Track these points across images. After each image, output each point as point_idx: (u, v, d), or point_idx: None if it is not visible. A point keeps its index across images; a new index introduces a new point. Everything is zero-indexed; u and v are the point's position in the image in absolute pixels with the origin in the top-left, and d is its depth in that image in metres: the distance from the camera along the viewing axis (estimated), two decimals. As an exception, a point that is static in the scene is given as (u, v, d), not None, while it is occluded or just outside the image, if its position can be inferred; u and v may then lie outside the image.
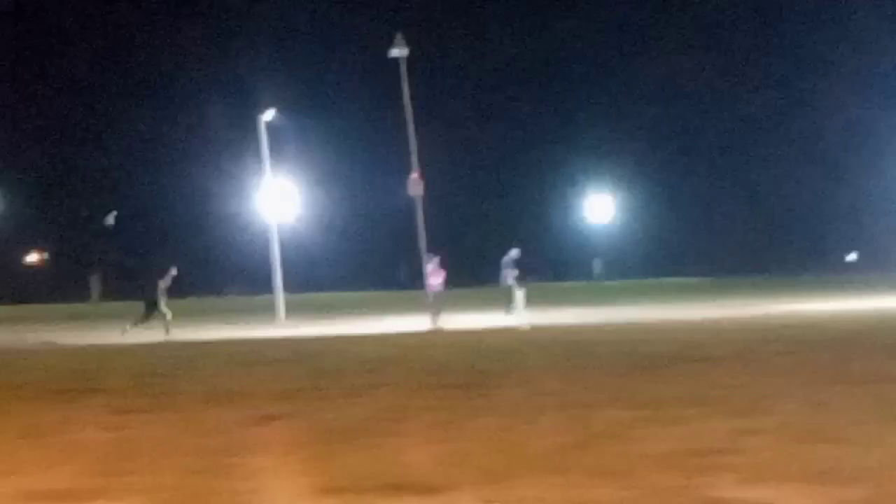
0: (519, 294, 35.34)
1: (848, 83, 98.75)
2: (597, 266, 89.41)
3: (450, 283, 39.20)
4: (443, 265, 37.43)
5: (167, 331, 32.31)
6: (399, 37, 36.61)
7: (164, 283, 34.65)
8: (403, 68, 36.78)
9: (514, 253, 38.98)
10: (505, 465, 8.06)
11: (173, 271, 35.25)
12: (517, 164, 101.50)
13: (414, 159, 36.54)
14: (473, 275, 67.98)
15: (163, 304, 34.25)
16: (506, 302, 36.98)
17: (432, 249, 36.98)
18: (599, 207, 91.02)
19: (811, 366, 15.07)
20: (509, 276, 37.88)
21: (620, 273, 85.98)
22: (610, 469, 7.73)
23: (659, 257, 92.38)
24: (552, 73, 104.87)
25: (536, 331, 28.83)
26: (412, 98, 36.85)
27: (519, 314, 34.03)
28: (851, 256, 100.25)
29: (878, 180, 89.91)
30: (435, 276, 36.65)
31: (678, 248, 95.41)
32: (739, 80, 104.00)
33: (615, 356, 18.67)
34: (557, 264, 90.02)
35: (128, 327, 33.10)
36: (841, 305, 38.45)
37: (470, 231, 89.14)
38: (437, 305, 34.94)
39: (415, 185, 36.48)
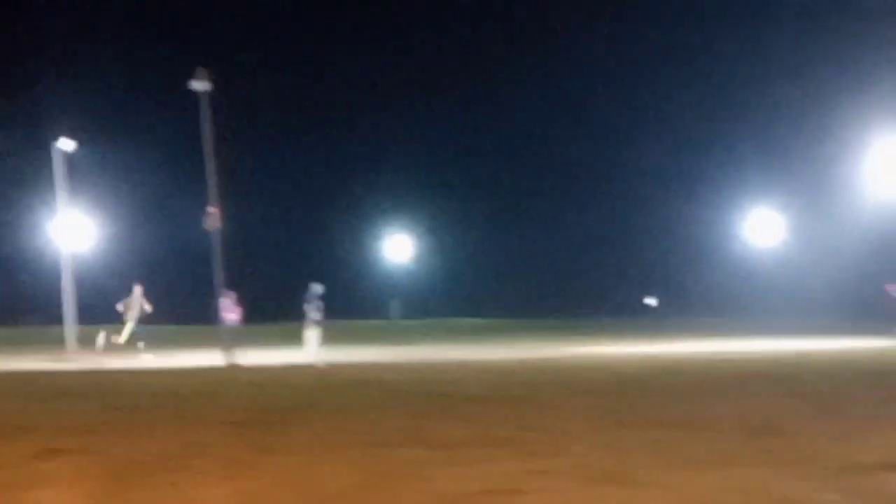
0: (315, 332, 35.18)
1: (651, 133, 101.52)
2: (394, 306, 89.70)
3: (248, 318, 38.87)
4: (240, 301, 37.10)
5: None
6: (200, 70, 36.28)
7: None
8: (205, 101, 36.44)
9: (318, 289, 38.85)
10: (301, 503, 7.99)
11: None
12: (319, 201, 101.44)
13: (212, 193, 36.17)
14: (272, 311, 67.52)
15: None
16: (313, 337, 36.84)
17: (230, 284, 36.63)
18: (398, 247, 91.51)
19: (602, 408, 15.29)
20: (312, 311, 37.68)
21: (418, 313, 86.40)
22: (404, 509, 7.72)
23: (457, 298, 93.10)
24: (354, 114, 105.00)
25: (334, 369, 28.72)
26: (214, 132, 36.53)
27: (316, 352, 33.89)
28: (650, 300, 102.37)
29: (680, 227, 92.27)
30: (231, 312, 36.30)
31: (476, 290, 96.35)
32: (539, 126, 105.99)
33: (411, 396, 18.69)
34: (355, 303, 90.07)
35: None
36: (635, 349, 39.22)
37: (270, 267, 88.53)
38: (232, 341, 34.59)
39: (212, 219, 36.10)
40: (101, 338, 39.48)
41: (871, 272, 68.28)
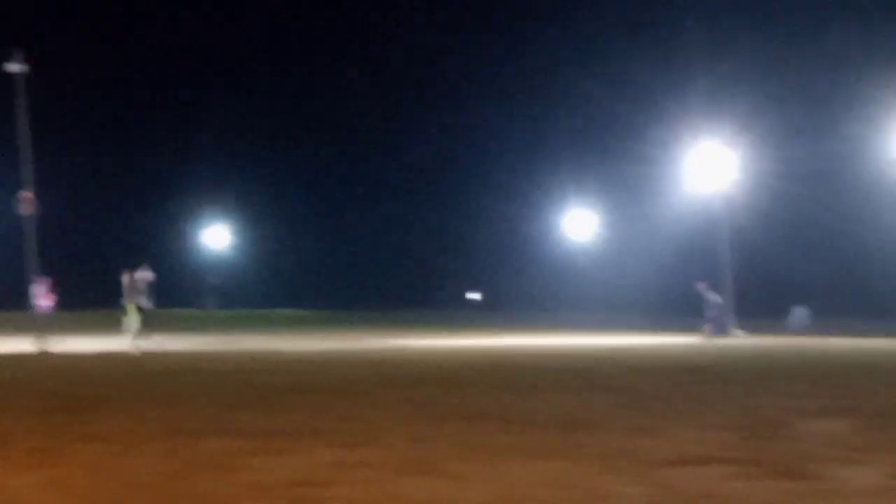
0: (135, 318, 34.70)
1: (484, 134, 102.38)
2: (213, 295, 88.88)
3: (63, 305, 38.19)
4: (54, 288, 36.44)
5: None
6: (17, 52, 35.52)
7: None
8: (21, 84, 35.67)
9: (147, 275, 38.24)
10: (108, 493, 7.91)
11: None
12: (137, 188, 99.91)
13: (27, 178, 35.42)
14: (88, 298, 66.37)
15: None
16: (132, 324, 36.31)
17: (45, 271, 35.94)
18: (216, 236, 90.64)
19: (415, 401, 15.40)
20: (139, 297, 37.12)
21: (237, 303, 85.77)
22: (213, 499, 7.70)
23: (277, 288, 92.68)
24: (173, 99, 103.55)
25: (148, 357, 28.39)
26: (31, 115, 35.79)
27: (134, 339, 33.46)
28: (474, 295, 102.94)
29: (502, 224, 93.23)
30: (44, 298, 35.63)
31: (297, 281, 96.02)
32: (366, 119, 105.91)
33: (226, 386, 18.59)
34: (172, 291, 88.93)
35: None
36: (453, 342, 39.52)
37: (86, 254, 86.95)
38: (45, 328, 33.97)
39: (26, 204, 35.37)
40: None
41: (682, 270, 69.99)
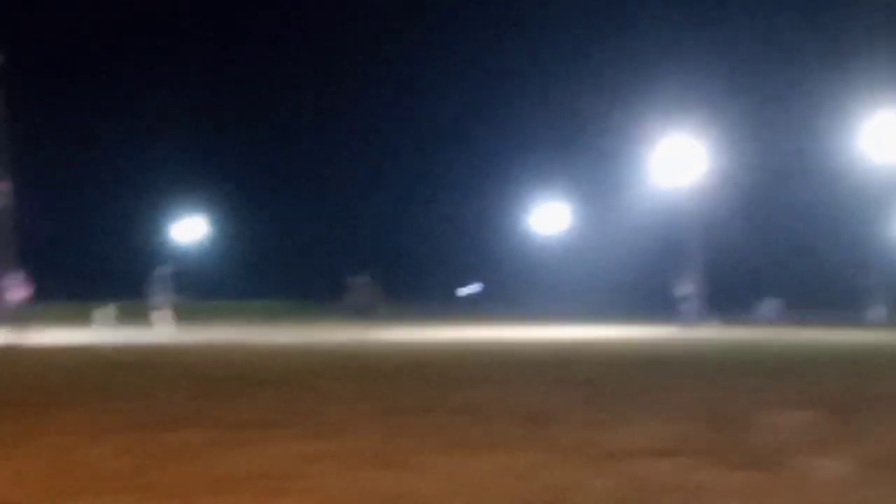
0: (164, 312, 34.71)
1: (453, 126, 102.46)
2: (189, 287, 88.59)
3: (37, 297, 38.04)
4: (28, 279, 36.26)
5: None
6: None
7: None
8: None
9: (167, 270, 38.17)
10: (69, 486, 7.85)
11: None
12: (114, 180, 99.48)
13: (2, 167, 35.29)
14: (64, 289, 66.16)
15: None
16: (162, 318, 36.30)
17: (20, 262, 35.82)
18: (191, 227, 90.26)
19: (380, 394, 15.37)
20: (162, 293, 37.13)
21: (205, 293, 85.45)
22: (176, 491, 7.64)
23: (237, 278, 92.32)
24: (141, 91, 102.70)
25: (111, 350, 28.28)
26: (5, 106, 35.67)
27: (169, 329, 33.53)
28: (471, 288, 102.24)
29: (504, 214, 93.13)
30: (17, 290, 35.47)
31: (261, 270, 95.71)
32: (338, 104, 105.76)
33: (188, 377, 18.51)
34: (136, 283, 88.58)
35: None
36: (421, 335, 39.50)
37: (63, 245, 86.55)
38: (19, 319, 33.86)
39: (1, 194, 35.28)
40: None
41: (654, 262, 70.23)
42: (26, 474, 8.38)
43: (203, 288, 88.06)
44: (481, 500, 7.52)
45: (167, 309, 34.47)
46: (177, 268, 36.93)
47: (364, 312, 40.27)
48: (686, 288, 52.49)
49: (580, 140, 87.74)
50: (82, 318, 40.00)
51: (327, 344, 32.31)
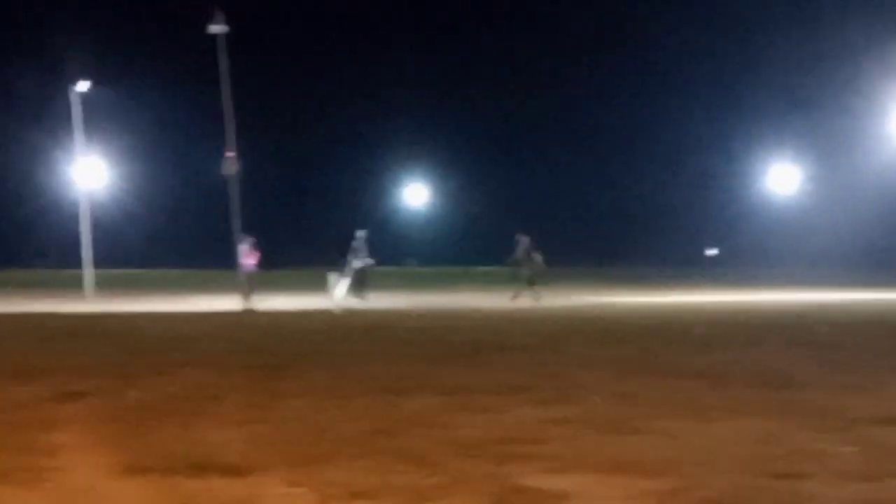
0: (339, 278, 35.24)
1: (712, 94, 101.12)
2: (409, 256, 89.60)
3: (266, 264, 38.89)
4: (257, 246, 37.09)
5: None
6: (219, 13, 36.14)
7: None
8: (222, 45, 36.34)
9: (362, 234, 38.81)
10: (313, 449, 8.00)
11: None
12: (336, 148, 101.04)
13: (230, 137, 36.13)
14: (291, 256, 67.62)
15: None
16: (355, 284, 36.96)
17: (247, 230, 36.65)
18: (416, 194, 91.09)
19: (620, 358, 15.29)
20: (358, 257, 37.77)
21: (438, 261, 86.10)
22: (418, 455, 7.72)
23: (479, 244, 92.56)
24: (368, 59, 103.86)
25: (351, 315, 28.72)
26: (231, 76, 36.45)
27: (341, 297, 34.06)
28: (712, 251, 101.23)
29: (740, 180, 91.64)
30: (249, 257, 36.32)
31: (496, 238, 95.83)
32: (592, 74, 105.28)
33: (428, 343, 18.70)
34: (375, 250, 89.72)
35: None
36: (666, 299, 39.15)
37: (288, 213, 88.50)
38: (249, 286, 34.71)
39: (230, 163, 36.11)
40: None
41: (889, 225, 68.10)
42: (272, 436, 8.58)
43: (433, 254, 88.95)
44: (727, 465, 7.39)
45: (350, 273, 35.01)
46: (370, 234, 37.37)
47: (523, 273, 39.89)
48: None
49: (816, 100, 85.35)
50: (311, 284, 40.77)
51: (568, 308, 32.19)
